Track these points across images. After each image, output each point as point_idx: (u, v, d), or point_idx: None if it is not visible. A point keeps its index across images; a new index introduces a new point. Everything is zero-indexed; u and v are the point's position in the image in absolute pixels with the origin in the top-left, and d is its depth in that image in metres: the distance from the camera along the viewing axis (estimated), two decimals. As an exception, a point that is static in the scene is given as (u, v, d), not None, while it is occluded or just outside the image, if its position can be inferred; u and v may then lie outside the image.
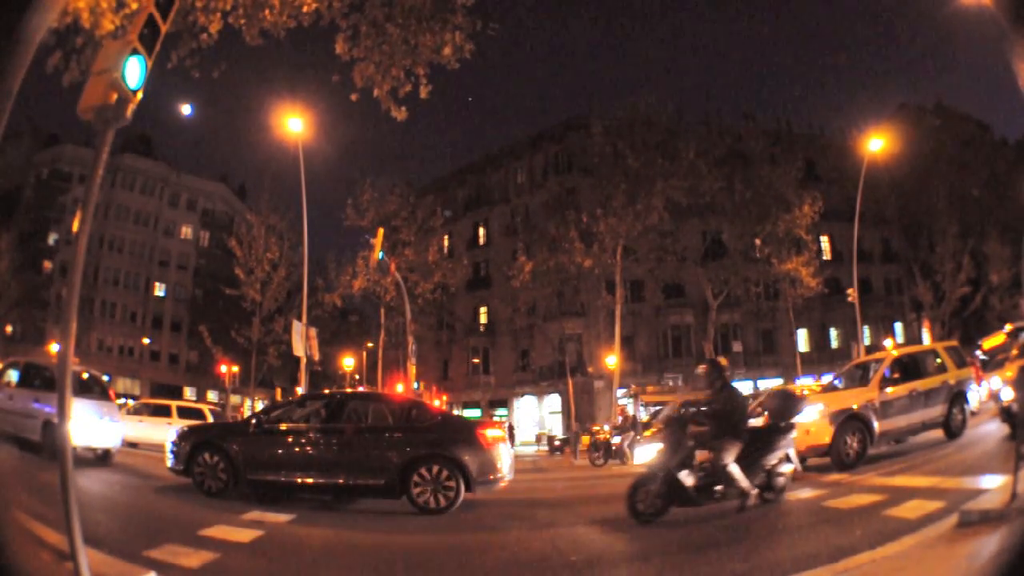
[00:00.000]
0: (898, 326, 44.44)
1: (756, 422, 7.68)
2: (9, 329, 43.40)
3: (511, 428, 42.37)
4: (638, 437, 19.70)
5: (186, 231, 58.60)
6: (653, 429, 7.68)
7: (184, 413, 18.75)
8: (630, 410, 21.73)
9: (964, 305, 35.44)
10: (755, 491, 6.88)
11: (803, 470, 10.02)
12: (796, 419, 7.96)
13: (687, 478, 6.86)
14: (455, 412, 38.70)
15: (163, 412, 18.97)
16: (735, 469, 6.87)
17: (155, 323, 55.29)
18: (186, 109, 21.70)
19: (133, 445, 16.22)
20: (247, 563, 5.42)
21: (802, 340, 41.98)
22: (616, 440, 19.74)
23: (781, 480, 7.48)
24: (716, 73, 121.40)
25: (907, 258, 40.39)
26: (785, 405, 7.99)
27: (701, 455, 7.11)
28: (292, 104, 20.04)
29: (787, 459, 7.55)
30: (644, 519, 6.79)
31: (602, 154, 32.82)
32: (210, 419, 18.55)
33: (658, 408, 23.21)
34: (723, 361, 7.81)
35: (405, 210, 33.78)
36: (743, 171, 34.81)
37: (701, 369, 7.74)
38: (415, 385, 26.82)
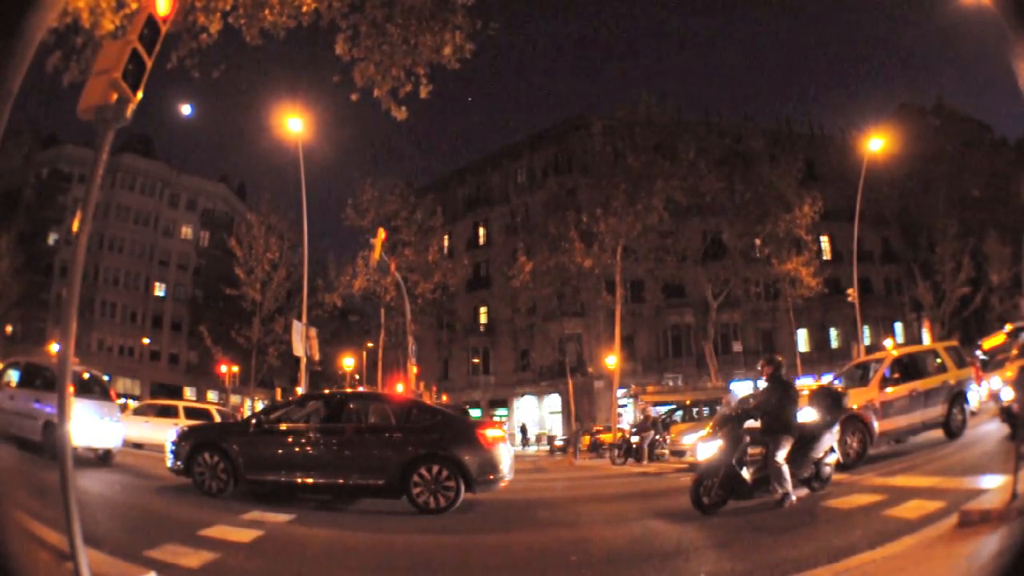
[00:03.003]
0: (898, 326, 44.43)
1: (804, 417, 8.06)
2: (9, 329, 43.34)
3: (523, 428, 42.43)
4: (657, 437, 19.74)
5: (186, 231, 58.54)
6: (709, 428, 8.05)
7: (191, 414, 18.21)
8: (651, 410, 21.64)
9: (964, 305, 35.43)
10: (794, 498, 7.22)
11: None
12: (839, 414, 8.37)
13: (745, 472, 7.41)
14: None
15: (170, 413, 18.42)
16: (785, 469, 7.24)
17: (155, 323, 55.23)
18: (186, 109, 21.66)
19: (138, 446, 16.08)
20: (247, 563, 5.42)
21: (802, 340, 41.98)
22: (635, 439, 19.81)
23: (827, 470, 7.91)
24: (716, 73, 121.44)
25: (907, 258, 40.40)
26: (829, 401, 8.41)
27: (754, 450, 7.55)
28: (292, 104, 20.00)
29: (832, 450, 7.97)
30: (708, 511, 7.27)
31: (602, 154, 32.82)
32: (218, 420, 18.13)
33: (672, 407, 23.20)
34: (780, 358, 8.24)
35: (405, 210, 33.78)
36: (743, 171, 34.80)
37: (761, 365, 8.08)
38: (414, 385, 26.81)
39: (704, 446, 7.72)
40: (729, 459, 7.31)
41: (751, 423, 7.67)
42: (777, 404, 7.55)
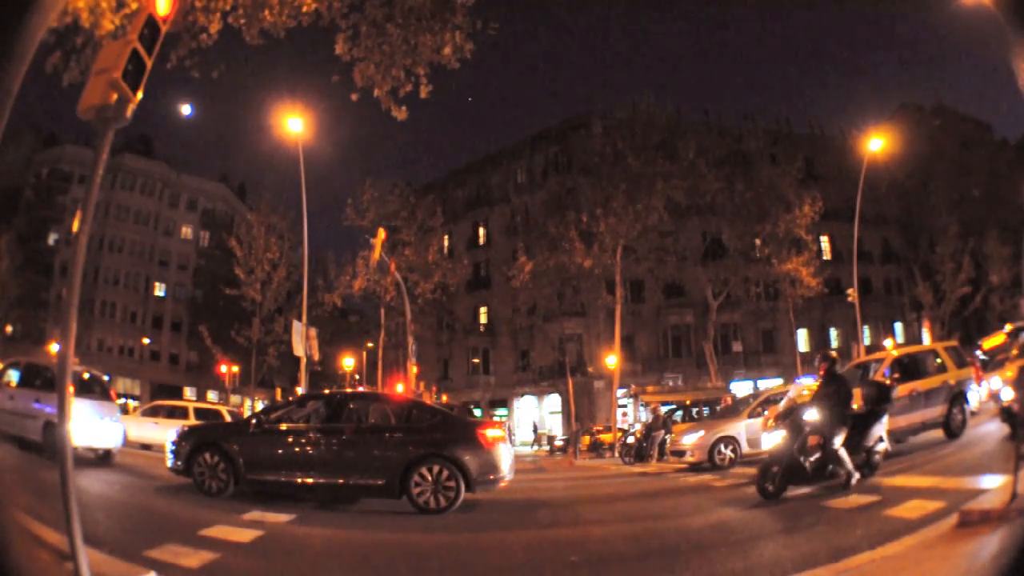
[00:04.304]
0: (898, 326, 44.44)
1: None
2: (9, 329, 43.35)
3: (534, 427, 42.37)
4: (667, 436, 19.76)
5: (186, 231, 58.53)
6: (771, 421, 8.64)
7: (201, 414, 17.83)
8: (661, 409, 21.66)
9: (964, 305, 35.43)
10: (858, 475, 7.81)
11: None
12: (887, 405, 8.92)
13: (805, 461, 7.88)
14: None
15: (180, 414, 17.91)
16: (844, 453, 7.85)
17: (155, 323, 55.23)
18: (186, 109, 21.68)
19: (147, 447, 15.98)
20: (247, 563, 5.42)
21: (802, 340, 41.97)
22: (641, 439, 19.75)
23: (877, 458, 8.50)
24: (716, 73, 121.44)
25: (907, 258, 40.39)
26: (878, 394, 8.93)
27: (812, 439, 7.99)
28: (292, 104, 19.99)
29: (880, 440, 8.49)
30: (772, 497, 7.79)
31: (602, 154, 32.78)
32: (228, 420, 17.88)
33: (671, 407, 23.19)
34: (834, 355, 8.94)
35: (405, 210, 33.79)
36: (743, 171, 34.78)
37: (818, 361, 8.69)
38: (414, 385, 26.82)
39: (768, 436, 8.24)
40: (791, 448, 7.80)
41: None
42: (834, 397, 8.02)
